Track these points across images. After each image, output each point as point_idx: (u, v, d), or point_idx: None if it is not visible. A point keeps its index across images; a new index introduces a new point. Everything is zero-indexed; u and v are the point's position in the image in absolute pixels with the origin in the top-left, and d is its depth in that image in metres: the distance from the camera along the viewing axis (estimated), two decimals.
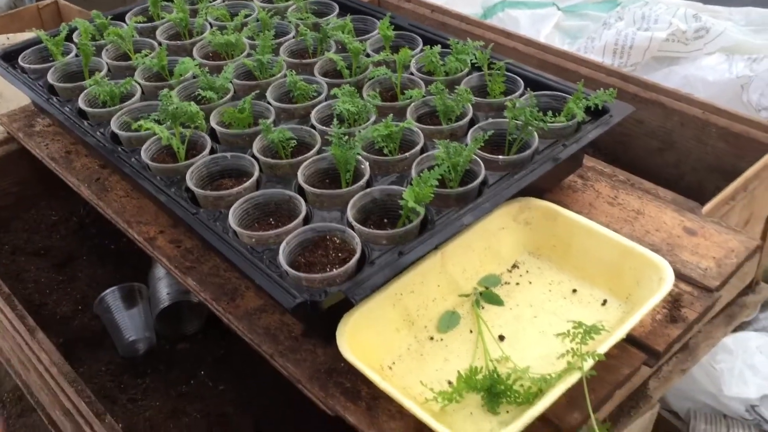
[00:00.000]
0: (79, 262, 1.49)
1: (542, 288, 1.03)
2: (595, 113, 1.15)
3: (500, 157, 1.07)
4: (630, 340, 0.95)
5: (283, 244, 0.93)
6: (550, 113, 1.10)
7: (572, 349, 0.84)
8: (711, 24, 1.88)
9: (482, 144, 1.04)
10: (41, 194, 1.39)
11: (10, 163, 1.42)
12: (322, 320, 0.93)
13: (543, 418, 0.86)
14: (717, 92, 1.73)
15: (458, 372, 0.86)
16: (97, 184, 1.25)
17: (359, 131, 1.07)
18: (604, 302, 0.99)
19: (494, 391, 0.85)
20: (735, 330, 1.75)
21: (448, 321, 0.98)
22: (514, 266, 1.06)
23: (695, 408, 1.65)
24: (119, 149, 1.15)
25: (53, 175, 1.33)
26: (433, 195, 0.96)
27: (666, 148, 1.52)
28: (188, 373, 1.30)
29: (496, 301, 1.01)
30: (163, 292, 1.37)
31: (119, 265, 1.48)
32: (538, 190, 1.09)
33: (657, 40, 1.88)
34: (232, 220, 0.98)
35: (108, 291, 1.37)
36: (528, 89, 1.19)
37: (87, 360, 1.31)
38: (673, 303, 1.00)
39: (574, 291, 1.01)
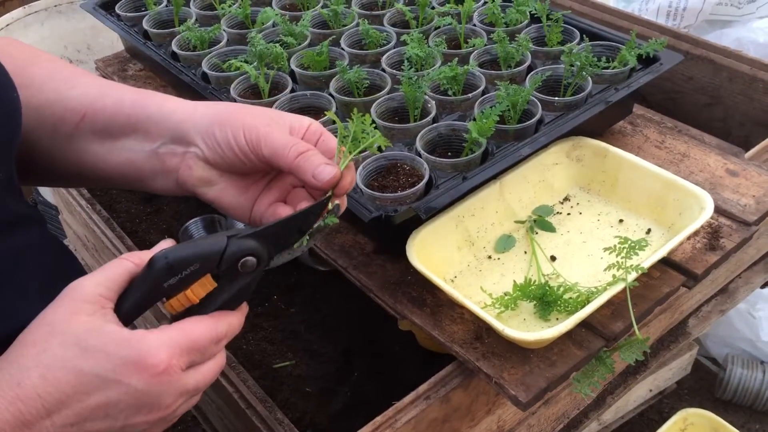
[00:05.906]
0: (164, 197, 1.63)
1: (591, 218, 1.12)
2: (647, 62, 1.24)
3: (556, 98, 1.16)
4: (671, 264, 1.04)
5: (360, 168, 1.05)
6: (603, 58, 1.18)
7: (617, 262, 0.94)
8: None
9: (539, 85, 1.14)
10: None
11: None
12: (391, 238, 1.05)
13: (590, 327, 0.97)
14: (767, 53, 1.78)
15: (514, 281, 0.97)
16: None
17: (427, 73, 1.18)
18: (649, 231, 1.08)
19: (546, 300, 0.96)
20: None
21: (505, 243, 1.09)
22: (566, 199, 1.16)
23: (733, 354, 1.73)
24: (210, 86, 1.27)
25: None
26: (494, 129, 1.06)
27: (714, 103, 1.59)
28: (262, 297, 1.43)
29: (549, 227, 1.11)
30: (240, 225, 1.50)
31: (199, 201, 1.61)
32: (590, 132, 1.18)
33: (710, 3, 1.93)
34: None
35: (192, 221, 1.51)
36: (585, 37, 1.28)
37: None
38: (713, 234, 1.09)
39: (621, 221, 1.11)
